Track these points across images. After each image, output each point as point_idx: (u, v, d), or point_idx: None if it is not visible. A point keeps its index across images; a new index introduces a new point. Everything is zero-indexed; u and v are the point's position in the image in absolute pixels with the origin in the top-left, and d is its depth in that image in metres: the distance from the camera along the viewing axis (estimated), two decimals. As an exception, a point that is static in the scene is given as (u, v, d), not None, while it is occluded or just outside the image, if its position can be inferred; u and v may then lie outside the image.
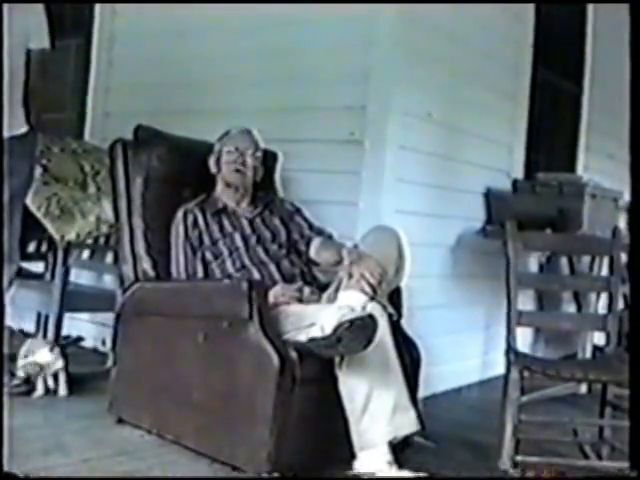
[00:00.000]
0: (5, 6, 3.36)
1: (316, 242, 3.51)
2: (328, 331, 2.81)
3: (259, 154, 3.59)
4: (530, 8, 5.16)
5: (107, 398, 3.48)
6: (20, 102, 3.59)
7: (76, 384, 3.97)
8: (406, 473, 2.90)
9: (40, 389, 3.75)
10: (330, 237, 3.57)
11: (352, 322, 2.78)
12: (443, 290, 4.47)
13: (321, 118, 4.18)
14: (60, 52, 5.45)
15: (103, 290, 4.75)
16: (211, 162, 3.58)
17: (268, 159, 3.74)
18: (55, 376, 3.79)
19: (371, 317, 2.83)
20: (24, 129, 3.61)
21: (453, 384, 4.49)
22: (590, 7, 5.92)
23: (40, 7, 3.60)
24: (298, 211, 3.65)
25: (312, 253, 3.50)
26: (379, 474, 2.86)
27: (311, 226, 3.59)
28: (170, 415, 3.26)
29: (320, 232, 3.57)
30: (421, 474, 2.92)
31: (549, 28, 5.37)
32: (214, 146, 3.60)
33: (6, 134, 3.51)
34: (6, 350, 3.81)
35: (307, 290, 3.22)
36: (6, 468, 2.68)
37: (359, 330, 2.78)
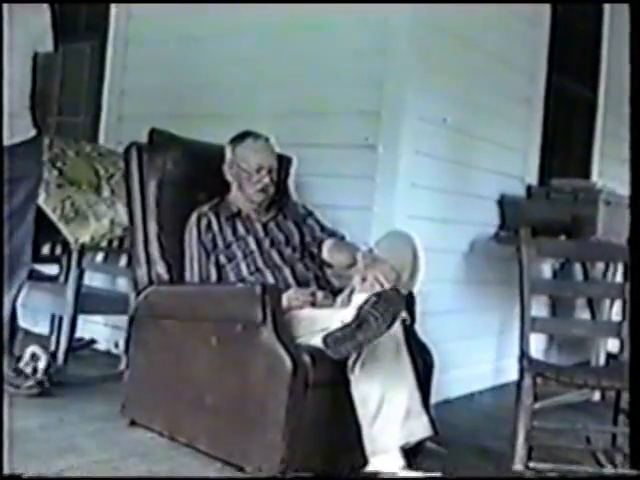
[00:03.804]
0: (5, 7, 3.37)
1: (328, 243, 3.51)
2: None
3: (277, 165, 3.59)
4: (546, 14, 5.15)
5: (120, 400, 3.48)
6: (28, 106, 3.61)
7: (89, 386, 4.00)
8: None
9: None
10: (343, 238, 3.56)
11: (379, 296, 2.79)
12: (456, 295, 4.47)
13: (335, 123, 4.18)
14: (74, 55, 5.50)
15: (116, 293, 4.76)
16: (227, 172, 3.56)
17: (282, 163, 3.74)
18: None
19: (397, 290, 2.84)
20: (32, 133, 3.64)
21: (466, 390, 4.48)
22: (606, 15, 5.91)
23: (46, 9, 3.62)
24: (310, 214, 3.64)
25: (324, 254, 3.49)
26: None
27: (323, 228, 3.58)
28: (183, 418, 3.27)
29: (332, 234, 3.56)
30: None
31: (565, 34, 5.36)
32: (228, 153, 3.55)
33: (16, 139, 3.54)
34: (18, 351, 3.84)
35: (320, 294, 3.22)
36: (20, 468, 2.70)
37: (386, 303, 2.78)
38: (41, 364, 3.81)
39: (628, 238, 2.77)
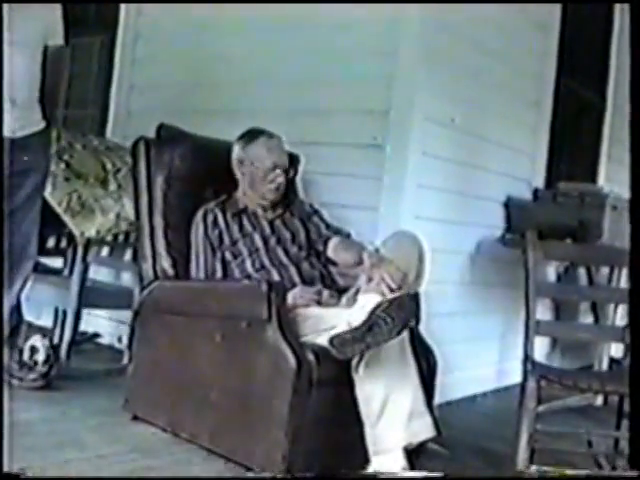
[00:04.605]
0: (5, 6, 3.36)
1: (334, 241, 3.50)
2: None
3: (288, 164, 3.58)
4: (555, 17, 5.15)
5: (123, 395, 3.49)
6: (37, 99, 3.62)
7: (92, 380, 4.00)
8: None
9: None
10: (348, 236, 3.56)
11: (391, 301, 2.78)
12: (461, 297, 4.46)
13: (344, 122, 4.18)
14: (84, 49, 5.51)
15: (121, 287, 4.76)
16: (237, 170, 3.54)
17: (291, 162, 3.71)
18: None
19: (409, 295, 2.85)
20: (42, 125, 3.65)
21: (468, 392, 4.48)
22: (616, 18, 5.90)
23: (57, 4, 3.63)
24: (316, 212, 3.64)
25: (330, 252, 3.49)
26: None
27: (328, 226, 3.58)
28: (186, 414, 3.27)
29: (337, 232, 3.56)
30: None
31: (574, 38, 5.35)
32: (238, 151, 3.53)
33: (26, 131, 3.54)
34: (22, 344, 3.84)
35: (326, 293, 3.21)
36: (21, 462, 2.70)
37: (398, 309, 2.78)
38: (40, 357, 3.80)
39: (630, 243, 2.76)
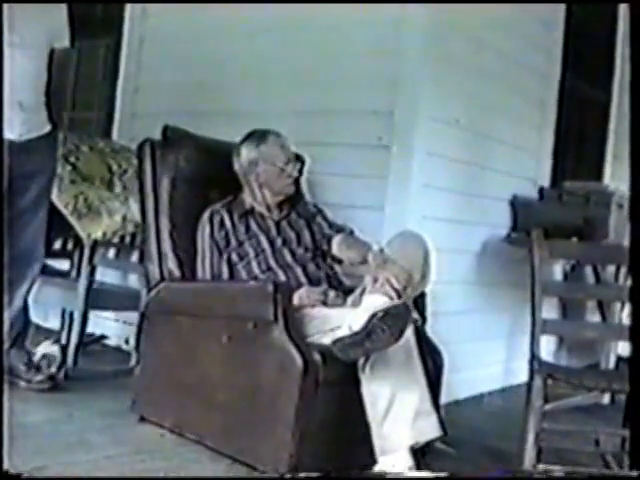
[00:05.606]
0: (5, 6, 3.36)
1: (338, 238, 3.51)
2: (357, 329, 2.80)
3: None
4: (560, 15, 5.15)
5: (130, 396, 3.49)
6: (44, 101, 3.63)
7: (99, 382, 4.00)
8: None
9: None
10: (352, 232, 3.57)
11: (387, 311, 2.78)
12: (467, 296, 4.46)
13: (349, 122, 4.18)
14: (89, 52, 5.52)
15: (128, 289, 4.76)
16: (249, 172, 3.53)
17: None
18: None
19: (405, 305, 2.84)
20: (48, 128, 3.66)
21: (475, 391, 4.48)
22: (621, 16, 5.89)
23: (63, 6, 3.64)
24: (319, 212, 3.65)
25: (334, 249, 3.50)
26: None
27: (331, 225, 3.59)
28: (192, 415, 3.27)
29: (340, 229, 3.57)
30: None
31: (579, 36, 5.35)
32: (249, 152, 3.53)
33: (32, 134, 3.56)
34: (29, 346, 3.85)
35: (332, 293, 3.21)
36: (30, 463, 2.71)
37: (394, 319, 2.78)
38: (53, 368, 3.80)
39: (630, 241, 2.77)
